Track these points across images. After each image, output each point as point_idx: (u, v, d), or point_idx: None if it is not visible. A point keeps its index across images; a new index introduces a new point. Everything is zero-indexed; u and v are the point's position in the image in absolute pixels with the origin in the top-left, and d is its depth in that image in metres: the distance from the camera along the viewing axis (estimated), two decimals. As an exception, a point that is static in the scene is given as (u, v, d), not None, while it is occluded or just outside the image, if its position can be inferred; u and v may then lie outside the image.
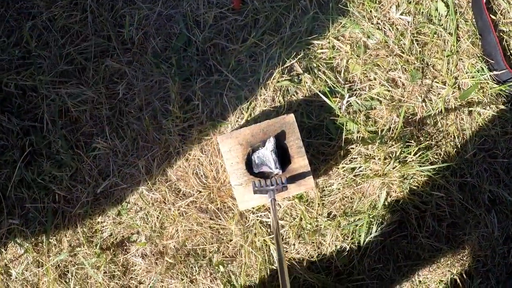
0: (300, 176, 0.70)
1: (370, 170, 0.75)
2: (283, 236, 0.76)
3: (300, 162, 0.70)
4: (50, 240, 0.76)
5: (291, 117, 0.70)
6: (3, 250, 0.77)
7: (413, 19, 0.80)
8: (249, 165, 0.70)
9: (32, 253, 0.76)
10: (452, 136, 0.79)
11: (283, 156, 0.71)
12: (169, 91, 0.75)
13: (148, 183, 0.76)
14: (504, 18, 0.83)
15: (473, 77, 0.80)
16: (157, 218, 0.76)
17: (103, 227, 0.77)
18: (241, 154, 0.70)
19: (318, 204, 0.76)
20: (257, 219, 0.75)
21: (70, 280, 0.76)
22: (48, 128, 0.77)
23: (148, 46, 0.77)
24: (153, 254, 0.76)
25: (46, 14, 0.78)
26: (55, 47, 0.78)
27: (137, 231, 0.77)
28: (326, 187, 0.76)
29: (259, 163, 0.69)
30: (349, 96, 0.77)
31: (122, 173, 0.76)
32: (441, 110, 0.78)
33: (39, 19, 0.78)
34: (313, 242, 0.76)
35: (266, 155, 0.69)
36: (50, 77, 0.77)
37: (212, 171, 0.75)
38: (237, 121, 0.76)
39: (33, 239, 0.77)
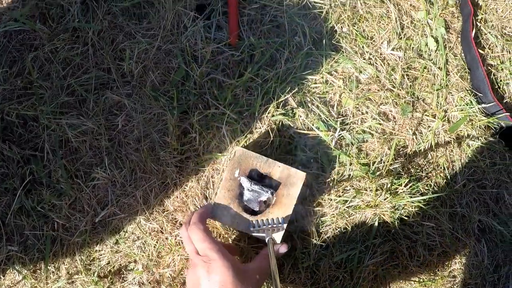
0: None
1: (362, 201, 0.77)
2: (278, 265, 0.78)
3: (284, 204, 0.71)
4: (48, 267, 0.78)
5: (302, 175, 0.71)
6: (1, 276, 0.78)
7: (404, 54, 0.83)
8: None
9: (30, 279, 0.78)
10: (442, 168, 0.81)
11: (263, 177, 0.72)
12: (167, 124, 0.77)
13: (146, 213, 0.78)
14: (492, 52, 0.86)
15: (462, 110, 0.82)
16: (154, 247, 0.77)
17: (101, 255, 0.78)
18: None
19: (313, 235, 0.77)
20: (252, 249, 0.77)
21: (68, 308, 0.77)
22: (49, 157, 0.78)
23: (147, 80, 0.79)
24: (150, 283, 0.77)
25: (48, 46, 0.80)
26: (57, 78, 0.80)
27: (134, 260, 0.78)
28: (320, 218, 0.78)
29: (249, 203, 0.71)
30: (340, 131, 0.79)
31: (120, 203, 0.78)
32: (431, 142, 0.81)
33: (41, 51, 0.81)
34: (307, 272, 0.78)
35: (249, 194, 0.70)
36: (51, 107, 0.79)
37: (207, 202, 0.77)
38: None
39: (31, 266, 0.78)
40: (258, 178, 0.72)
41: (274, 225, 0.68)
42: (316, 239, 0.77)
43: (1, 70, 0.80)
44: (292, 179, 0.71)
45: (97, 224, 0.78)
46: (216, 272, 0.60)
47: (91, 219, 0.78)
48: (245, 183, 0.70)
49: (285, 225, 0.70)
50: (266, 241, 0.66)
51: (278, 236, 0.70)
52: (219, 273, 0.60)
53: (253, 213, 0.71)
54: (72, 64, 0.80)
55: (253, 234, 0.69)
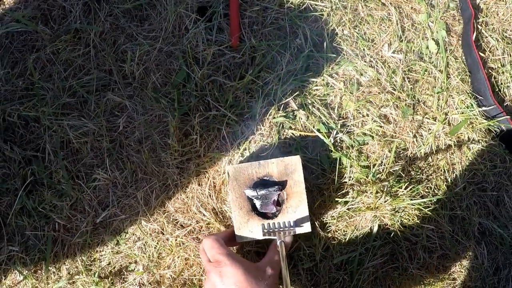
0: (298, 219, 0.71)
1: (363, 203, 0.78)
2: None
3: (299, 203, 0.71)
4: (49, 267, 0.78)
5: (297, 158, 0.71)
6: (3, 276, 0.79)
7: (405, 57, 0.83)
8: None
9: (31, 280, 0.78)
10: (442, 170, 0.81)
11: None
12: (168, 125, 0.78)
13: (147, 214, 0.78)
14: (493, 55, 0.86)
15: (462, 113, 0.82)
16: (155, 248, 0.78)
17: (101, 256, 0.79)
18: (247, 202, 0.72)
19: (317, 237, 0.78)
20: (253, 250, 0.77)
21: (68, 308, 0.77)
22: (50, 158, 0.79)
23: (148, 81, 0.80)
24: (150, 283, 0.78)
25: (50, 47, 0.81)
26: (58, 79, 0.80)
27: (135, 261, 0.79)
28: (321, 220, 0.78)
29: (265, 209, 0.71)
30: (338, 132, 0.79)
31: (121, 204, 0.78)
32: (432, 145, 0.81)
33: (43, 52, 0.81)
34: (307, 273, 0.78)
35: (261, 201, 0.71)
36: (53, 108, 0.79)
37: (209, 203, 0.78)
38: (233, 155, 0.79)
39: (32, 266, 0.78)
40: (268, 182, 0.72)
41: (286, 228, 0.68)
42: (316, 241, 0.78)
43: (3, 71, 0.80)
44: (291, 167, 0.72)
45: (98, 225, 0.78)
46: (229, 275, 0.61)
47: (92, 220, 0.78)
48: (251, 193, 0.70)
49: (297, 229, 0.70)
50: (278, 244, 0.66)
51: (306, 226, 0.71)
52: (232, 275, 0.61)
53: (274, 215, 0.71)
54: (73, 66, 0.81)
55: (265, 237, 0.69)
